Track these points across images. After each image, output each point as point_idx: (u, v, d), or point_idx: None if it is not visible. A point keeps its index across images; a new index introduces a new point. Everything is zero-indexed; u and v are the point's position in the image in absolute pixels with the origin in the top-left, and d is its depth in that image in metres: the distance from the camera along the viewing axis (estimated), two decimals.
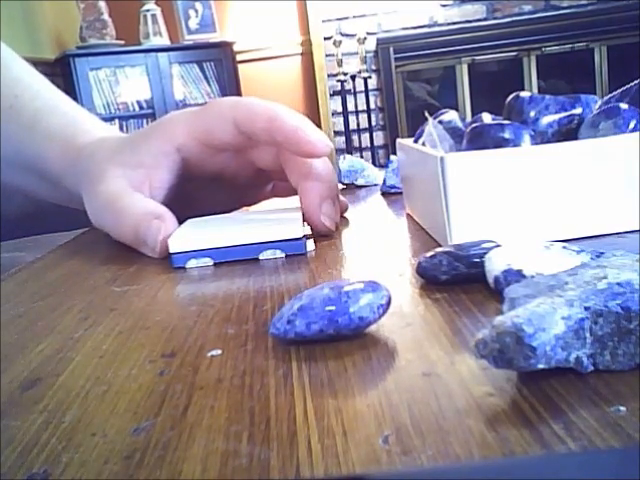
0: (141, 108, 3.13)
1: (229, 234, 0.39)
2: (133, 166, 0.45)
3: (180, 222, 0.43)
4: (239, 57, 3.29)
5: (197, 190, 0.49)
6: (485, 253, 0.28)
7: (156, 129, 0.46)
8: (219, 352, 0.24)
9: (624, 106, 0.36)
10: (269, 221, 0.41)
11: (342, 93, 3.15)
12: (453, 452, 0.16)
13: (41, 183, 0.53)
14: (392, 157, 0.57)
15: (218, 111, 0.44)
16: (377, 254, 0.38)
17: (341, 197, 0.49)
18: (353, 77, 3.15)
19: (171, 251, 0.39)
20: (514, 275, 0.26)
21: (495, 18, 3.23)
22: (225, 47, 3.23)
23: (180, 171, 0.46)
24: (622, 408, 0.17)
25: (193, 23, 3.20)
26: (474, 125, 0.39)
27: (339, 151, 3.29)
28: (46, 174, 0.51)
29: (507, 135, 0.37)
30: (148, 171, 0.44)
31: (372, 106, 3.26)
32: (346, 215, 0.50)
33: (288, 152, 0.43)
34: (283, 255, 0.39)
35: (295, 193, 0.45)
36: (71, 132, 0.50)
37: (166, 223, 0.41)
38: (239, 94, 3.21)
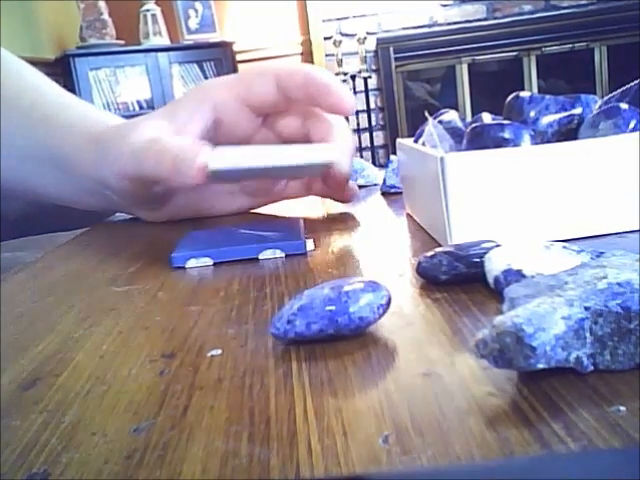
0: (141, 108, 3.12)
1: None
2: (168, 119, 0.45)
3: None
4: (239, 57, 3.29)
5: None
6: (485, 253, 0.28)
7: (193, 91, 0.48)
8: (219, 352, 0.24)
9: (624, 106, 0.36)
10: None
11: None
12: (453, 452, 0.16)
13: (54, 174, 0.53)
14: (392, 157, 0.57)
15: (260, 70, 0.46)
16: (377, 254, 0.38)
17: (351, 182, 0.50)
18: (353, 77, 3.15)
19: (211, 168, 0.39)
20: (514, 275, 0.26)
21: (495, 18, 3.23)
22: (225, 47, 3.22)
23: (211, 133, 0.47)
24: (622, 408, 0.17)
25: (193, 23, 3.20)
26: (474, 125, 0.39)
27: None
28: (62, 161, 0.51)
29: (507, 135, 0.37)
30: (182, 125, 0.45)
31: (372, 106, 3.26)
32: (346, 215, 0.50)
33: (317, 110, 0.46)
34: (283, 255, 0.39)
35: (306, 194, 0.48)
36: (95, 118, 0.52)
37: (204, 149, 0.41)
38: None
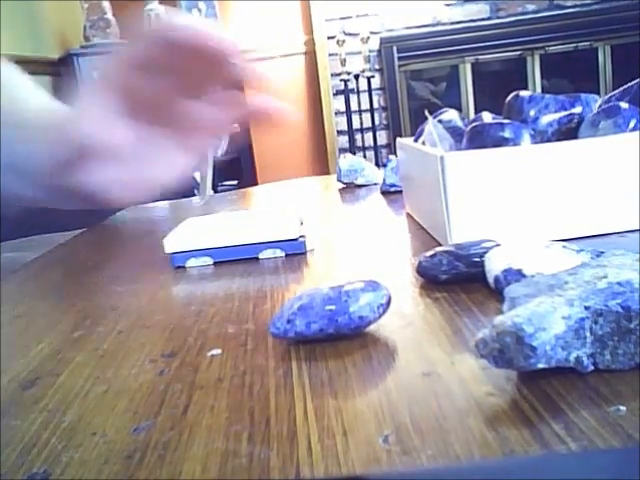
0: None
1: (225, 236, 0.39)
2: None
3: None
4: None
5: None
6: (485, 252, 0.28)
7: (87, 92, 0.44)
8: (219, 352, 0.24)
9: (624, 105, 0.36)
10: (266, 223, 0.41)
11: (345, 92, 3.14)
12: (453, 452, 0.16)
13: (21, 182, 0.52)
14: (391, 156, 0.57)
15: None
16: (377, 254, 0.37)
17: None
18: (356, 76, 3.15)
19: (167, 251, 0.39)
20: (514, 274, 0.26)
21: (499, 17, 3.22)
22: None
23: (124, 109, 0.44)
24: (622, 408, 0.17)
25: None
26: (474, 124, 0.38)
27: (342, 150, 3.29)
28: (28, 169, 0.50)
29: (507, 134, 0.37)
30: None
31: (375, 105, 3.26)
32: (346, 215, 0.50)
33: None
34: (283, 254, 0.39)
35: (228, 122, 0.43)
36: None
37: None
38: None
